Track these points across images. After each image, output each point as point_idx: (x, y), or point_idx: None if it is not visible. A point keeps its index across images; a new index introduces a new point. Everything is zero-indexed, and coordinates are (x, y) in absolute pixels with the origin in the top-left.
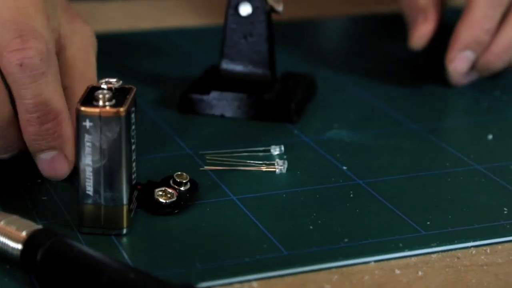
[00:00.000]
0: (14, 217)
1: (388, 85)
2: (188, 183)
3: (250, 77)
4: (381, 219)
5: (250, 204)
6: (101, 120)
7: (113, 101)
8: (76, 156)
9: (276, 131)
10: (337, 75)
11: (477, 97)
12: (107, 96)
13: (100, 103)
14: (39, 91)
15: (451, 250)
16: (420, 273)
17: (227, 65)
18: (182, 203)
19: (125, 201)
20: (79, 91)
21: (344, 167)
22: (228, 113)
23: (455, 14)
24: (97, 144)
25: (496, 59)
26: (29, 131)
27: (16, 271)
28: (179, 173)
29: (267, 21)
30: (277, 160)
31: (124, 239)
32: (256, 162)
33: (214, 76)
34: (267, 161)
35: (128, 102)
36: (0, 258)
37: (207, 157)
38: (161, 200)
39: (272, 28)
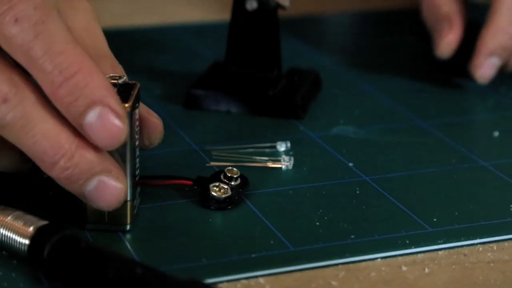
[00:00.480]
0: (21, 212)
1: (394, 81)
2: (239, 178)
3: (256, 73)
4: (387, 215)
5: (256, 200)
6: None
7: (118, 97)
8: None
9: (282, 127)
10: (342, 70)
11: (483, 94)
12: None
13: None
14: (48, 42)
15: (457, 247)
16: (426, 270)
17: (233, 61)
18: (236, 198)
19: (129, 197)
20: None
21: (350, 164)
22: (234, 109)
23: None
24: None
25: None
26: (60, 94)
27: (23, 266)
28: (230, 168)
29: (273, 16)
30: (283, 156)
31: (131, 235)
32: (262, 158)
33: (219, 72)
34: (273, 157)
35: (132, 98)
36: (7, 253)
37: (213, 153)
38: (216, 195)
39: (278, 23)
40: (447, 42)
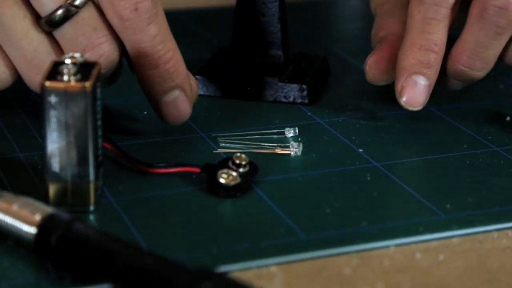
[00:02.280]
0: (27, 200)
1: None
2: (248, 165)
3: (263, 59)
4: (399, 202)
5: (265, 187)
6: (67, 95)
7: (78, 76)
8: (41, 132)
9: (290, 113)
10: (351, 56)
11: (494, 79)
12: (71, 70)
13: (65, 78)
14: (156, 31)
15: (472, 233)
16: (441, 257)
17: (239, 46)
18: (244, 185)
19: (91, 177)
20: None
21: (360, 150)
22: (241, 95)
23: None
24: (63, 119)
25: (467, 68)
26: (151, 74)
27: (30, 255)
28: (238, 154)
29: (279, 0)
30: (292, 142)
31: (139, 223)
32: (270, 144)
33: (225, 58)
34: (282, 143)
35: (93, 76)
36: (14, 241)
37: (220, 140)
38: (225, 182)
39: (284, 8)
40: (367, 64)
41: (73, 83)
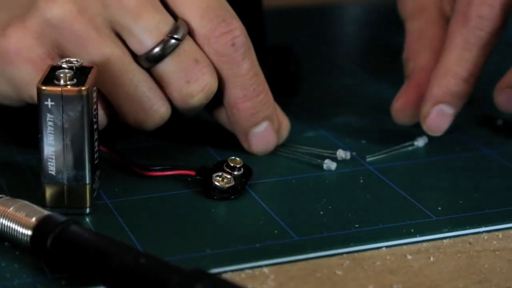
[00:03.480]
0: (24, 202)
1: (393, 71)
2: (242, 168)
3: None
4: (392, 204)
5: (259, 190)
6: (63, 99)
7: (75, 80)
8: (38, 135)
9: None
10: (343, 60)
11: (487, 82)
12: (68, 75)
13: (62, 82)
14: (251, 64)
15: (462, 235)
16: (432, 258)
17: None
18: (239, 187)
19: (88, 180)
20: None
21: (354, 153)
22: None
23: None
24: (59, 123)
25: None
26: (247, 107)
27: (26, 257)
28: (233, 157)
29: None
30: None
31: (134, 225)
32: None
33: None
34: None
35: (89, 81)
36: (10, 244)
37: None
38: (219, 184)
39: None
40: (395, 108)
41: (69, 87)
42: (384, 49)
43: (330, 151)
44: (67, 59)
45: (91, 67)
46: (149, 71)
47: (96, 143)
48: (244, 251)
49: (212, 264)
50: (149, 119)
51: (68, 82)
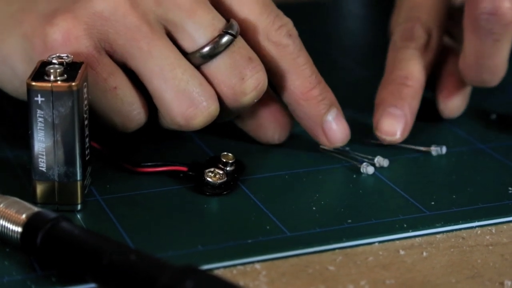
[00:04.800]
0: (14, 199)
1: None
2: (234, 164)
3: None
4: (384, 199)
5: (251, 185)
6: (53, 95)
7: (65, 76)
8: (28, 131)
9: None
10: (340, 56)
11: None
12: (58, 71)
13: (52, 78)
14: (306, 54)
15: (456, 230)
16: (424, 253)
17: None
18: (231, 183)
19: (79, 176)
20: None
21: (347, 148)
22: None
23: None
24: (50, 119)
25: (478, 82)
26: (315, 94)
27: (16, 254)
28: (225, 153)
29: None
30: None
31: (126, 221)
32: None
33: None
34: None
35: (80, 76)
36: (0, 241)
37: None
38: (212, 180)
39: None
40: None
41: (59, 83)
42: (381, 43)
43: (369, 156)
44: (57, 54)
45: (81, 63)
46: (199, 68)
47: (87, 139)
48: (236, 247)
49: (203, 260)
50: (198, 115)
51: (58, 78)
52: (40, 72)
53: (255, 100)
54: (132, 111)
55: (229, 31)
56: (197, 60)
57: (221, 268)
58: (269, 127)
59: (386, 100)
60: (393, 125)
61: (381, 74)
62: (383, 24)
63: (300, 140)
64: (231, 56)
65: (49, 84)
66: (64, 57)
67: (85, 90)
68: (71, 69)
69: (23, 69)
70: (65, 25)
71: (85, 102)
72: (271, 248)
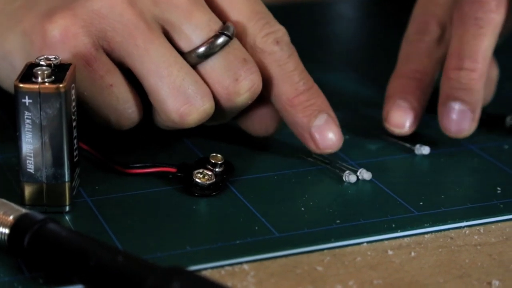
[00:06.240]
0: (1, 201)
1: (380, 67)
2: (223, 165)
3: None
4: (373, 200)
5: (240, 186)
6: (41, 97)
7: (53, 78)
8: (16, 133)
9: None
10: (332, 59)
11: None
12: (46, 72)
13: (39, 79)
14: (296, 62)
15: (444, 230)
16: (413, 253)
17: None
18: (220, 184)
19: (67, 178)
20: None
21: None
22: None
23: None
24: (37, 121)
25: (457, 70)
26: (300, 100)
27: (4, 256)
28: (214, 154)
29: None
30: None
31: (114, 222)
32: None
33: None
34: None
35: (67, 78)
36: None
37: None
38: (200, 181)
39: None
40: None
41: (47, 84)
42: (373, 45)
43: (354, 168)
44: (45, 56)
45: (69, 64)
46: (195, 68)
47: (75, 141)
48: (224, 248)
49: (192, 261)
50: (193, 112)
51: (46, 79)
52: (28, 73)
53: (249, 102)
54: (127, 109)
55: (225, 32)
56: (193, 60)
57: (209, 269)
58: (258, 119)
59: (396, 92)
60: (402, 118)
61: (373, 76)
62: (375, 27)
63: (289, 141)
64: (226, 56)
65: (37, 86)
66: (52, 59)
67: (73, 91)
68: (59, 70)
69: (22, 65)
70: (64, 23)
71: (73, 103)
72: (259, 248)
